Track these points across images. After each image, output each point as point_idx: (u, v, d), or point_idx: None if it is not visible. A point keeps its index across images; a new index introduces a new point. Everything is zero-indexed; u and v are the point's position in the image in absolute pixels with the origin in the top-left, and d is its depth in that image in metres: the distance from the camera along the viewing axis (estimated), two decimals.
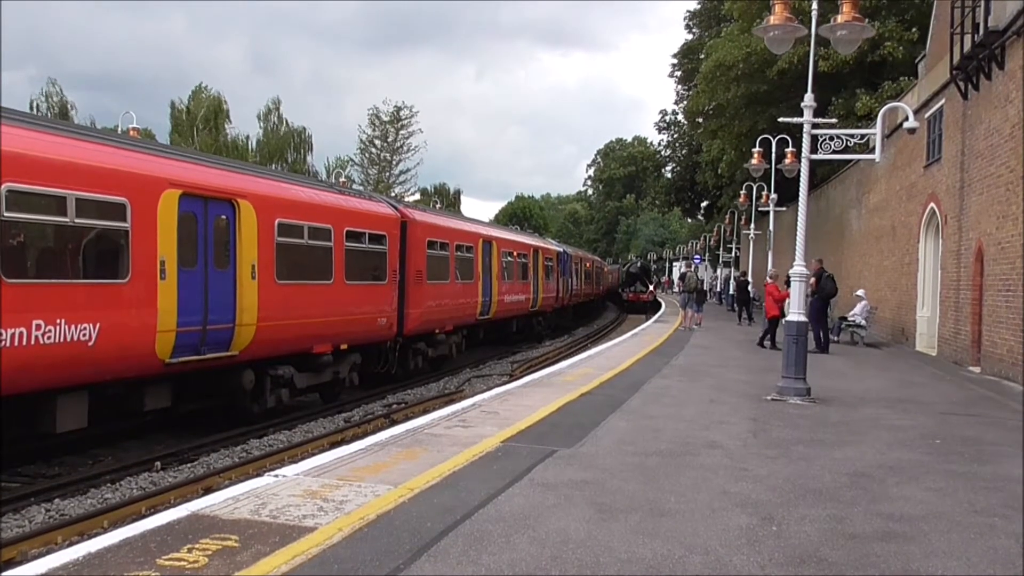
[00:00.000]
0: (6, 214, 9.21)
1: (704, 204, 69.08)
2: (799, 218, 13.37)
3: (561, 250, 40.52)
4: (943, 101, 20.91)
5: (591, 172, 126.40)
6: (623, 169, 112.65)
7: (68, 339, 9.87)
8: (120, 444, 12.74)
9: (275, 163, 54.00)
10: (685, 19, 57.67)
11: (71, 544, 7.19)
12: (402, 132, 69.89)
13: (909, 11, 30.15)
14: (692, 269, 33.23)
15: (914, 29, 28.72)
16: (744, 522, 6.14)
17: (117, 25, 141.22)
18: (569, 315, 44.03)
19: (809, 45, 13.26)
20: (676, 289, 45.15)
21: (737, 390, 13.58)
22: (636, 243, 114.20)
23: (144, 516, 8.01)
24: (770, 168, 28.12)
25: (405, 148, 69.90)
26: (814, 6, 12.60)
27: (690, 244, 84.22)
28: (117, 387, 11.62)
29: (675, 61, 57.67)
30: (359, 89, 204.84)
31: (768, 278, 24.65)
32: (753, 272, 38.91)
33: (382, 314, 17.75)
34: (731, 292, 42.41)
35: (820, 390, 12.95)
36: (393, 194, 57.37)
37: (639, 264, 67.93)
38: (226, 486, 8.70)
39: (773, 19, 11.90)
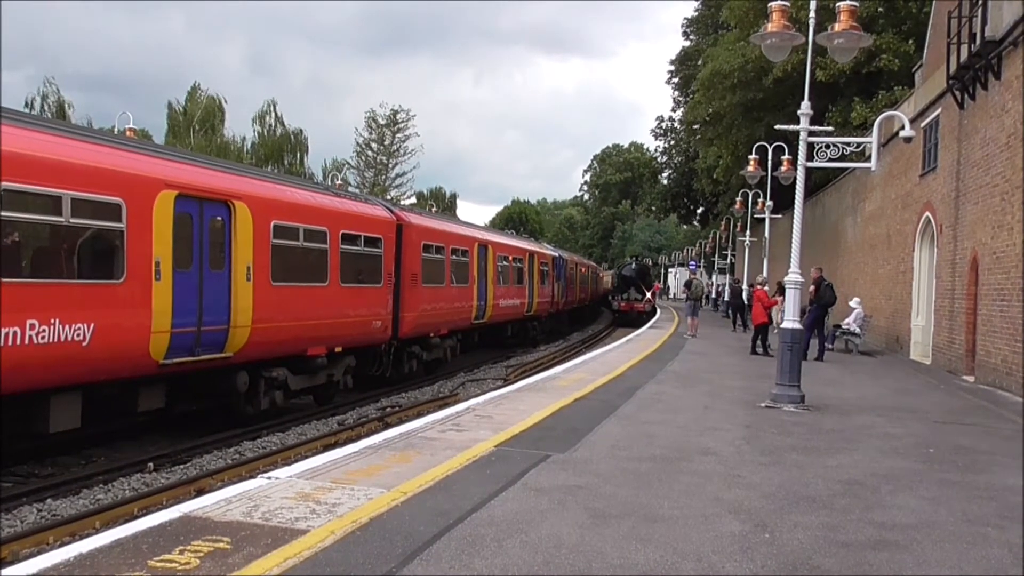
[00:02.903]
0: (2, 213, 9.19)
1: (700, 211, 69.16)
2: (794, 225, 13.39)
3: (557, 255, 40.54)
4: (939, 110, 20.97)
5: (588, 177, 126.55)
6: (620, 175, 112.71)
7: (62, 339, 9.84)
8: (113, 444, 12.70)
9: (271, 165, 53.87)
10: (683, 26, 58.00)
11: (63, 544, 7.19)
12: (399, 135, 69.89)
13: (906, 21, 30.25)
14: (699, 276, 33.22)
15: (911, 40, 28.82)
16: (737, 529, 6.13)
17: (116, 26, 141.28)
18: (564, 320, 44.01)
19: (806, 54, 13.30)
20: (683, 295, 42.12)
21: (731, 397, 13.58)
22: (632, 249, 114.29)
23: (136, 517, 8.00)
24: (766, 175, 28.20)
25: (402, 151, 69.90)
26: (811, 14, 12.64)
27: (685, 250, 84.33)
28: (111, 387, 11.60)
29: (672, 68, 57.96)
30: (357, 92, 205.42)
31: (757, 284, 24.72)
32: (748, 279, 38.98)
33: (377, 317, 17.74)
34: (726, 299, 42.45)
35: (814, 398, 12.96)
36: (389, 197, 57.27)
37: (634, 266, 53.93)
38: (219, 488, 8.69)
39: (771, 27, 11.94)
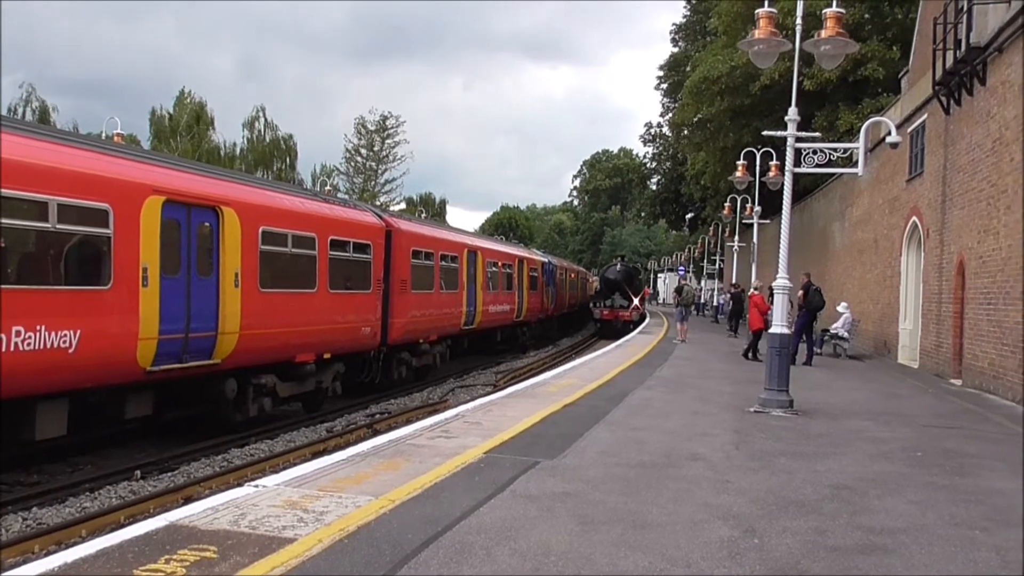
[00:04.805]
0: None
1: (689, 216, 69.32)
2: (782, 231, 13.43)
3: (546, 261, 40.55)
4: (925, 116, 21.09)
5: (577, 183, 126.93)
6: (609, 180, 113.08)
7: (48, 346, 9.79)
8: (100, 452, 12.63)
9: (261, 171, 53.74)
10: (671, 32, 58.26)
11: (48, 553, 7.13)
12: (388, 141, 69.95)
13: (892, 28, 30.45)
14: (688, 281, 33.07)
15: (895, 47, 29.00)
16: (726, 534, 6.13)
17: (106, 31, 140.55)
18: (554, 325, 44.00)
19: (793, 60, 13.36)
20: (672, 301, 39.60)
21: (720, 402, 13.60)
22: (621, 254, 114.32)
23: (123, 525, 7.94)
24: (754, 181, 28.28)
25: (391, 157, 69.97)
26: (798, 20, 12.70)
27: (675, 256, 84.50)
28: (98, 394, 11.53)
29: (661, 73, 58.14)
30: (348, 98, 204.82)
31: (753, 289, 24.73)
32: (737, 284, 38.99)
33: (366, 323, 17.70)
34: (718, 303, 42.34)
35: (803, 402, 12.99)
36: (378, 203, 57.23)
37: (620, 267, 45.71)
38: (206, 496, 8.64)
39: (758, 33, 11.98)
